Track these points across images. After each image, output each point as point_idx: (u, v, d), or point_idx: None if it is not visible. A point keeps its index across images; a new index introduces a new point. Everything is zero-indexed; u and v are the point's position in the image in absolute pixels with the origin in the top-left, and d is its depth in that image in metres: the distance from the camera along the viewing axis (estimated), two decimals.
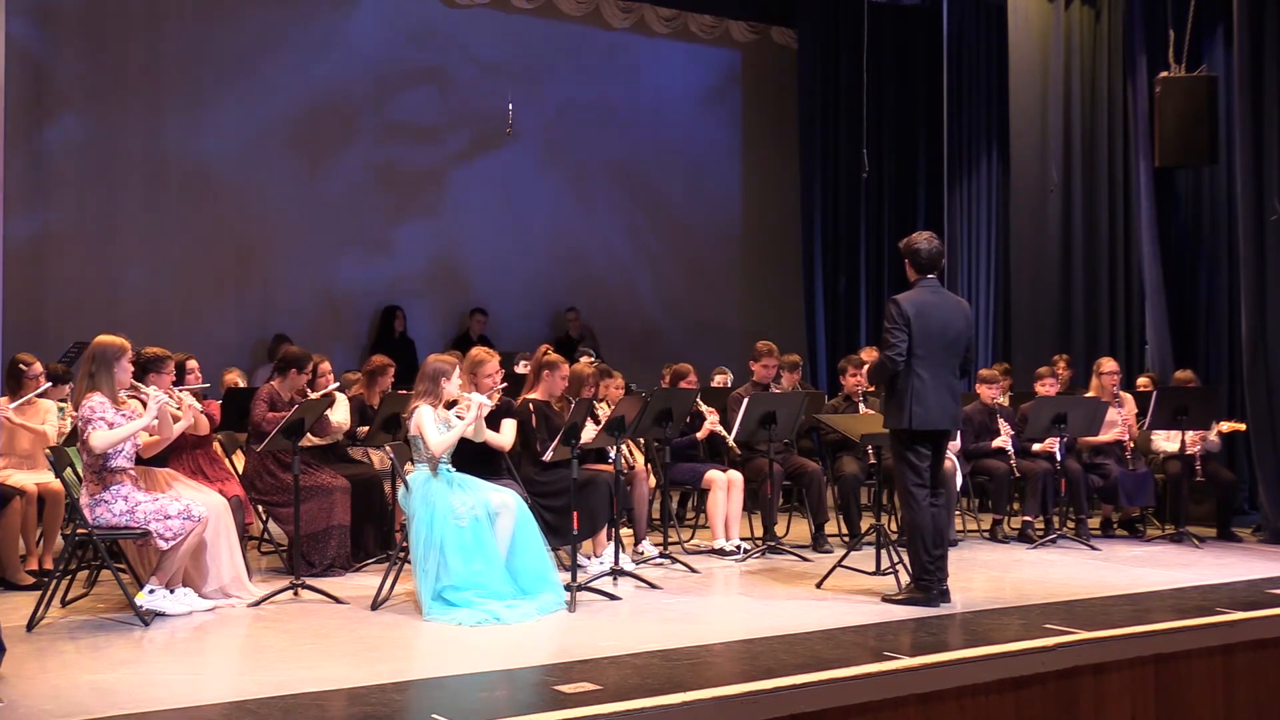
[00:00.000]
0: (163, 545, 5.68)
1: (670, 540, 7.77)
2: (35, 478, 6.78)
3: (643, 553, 7.49)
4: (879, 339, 6.49)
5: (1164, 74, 9.67)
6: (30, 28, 10.36)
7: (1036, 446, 8.64)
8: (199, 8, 11.11)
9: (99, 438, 5.64)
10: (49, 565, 6.61)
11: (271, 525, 7.52)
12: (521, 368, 9.19)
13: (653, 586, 6.61)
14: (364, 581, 6.60)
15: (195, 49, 11.08)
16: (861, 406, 8.30)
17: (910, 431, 6.13)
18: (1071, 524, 8.57)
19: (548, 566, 6.16)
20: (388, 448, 6.62)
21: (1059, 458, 8.44)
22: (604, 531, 7.10)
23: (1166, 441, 8.95)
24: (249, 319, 11.32)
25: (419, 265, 12.08)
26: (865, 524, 7.77)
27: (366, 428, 7.50)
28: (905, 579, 6.35)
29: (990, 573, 7.16)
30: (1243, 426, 8.86)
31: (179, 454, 6.61)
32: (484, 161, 12.40)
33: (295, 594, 6.20)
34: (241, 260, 11.31)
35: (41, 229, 10.46)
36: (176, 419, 6.07)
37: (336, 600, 6.13)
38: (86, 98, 10.69)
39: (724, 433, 8.07)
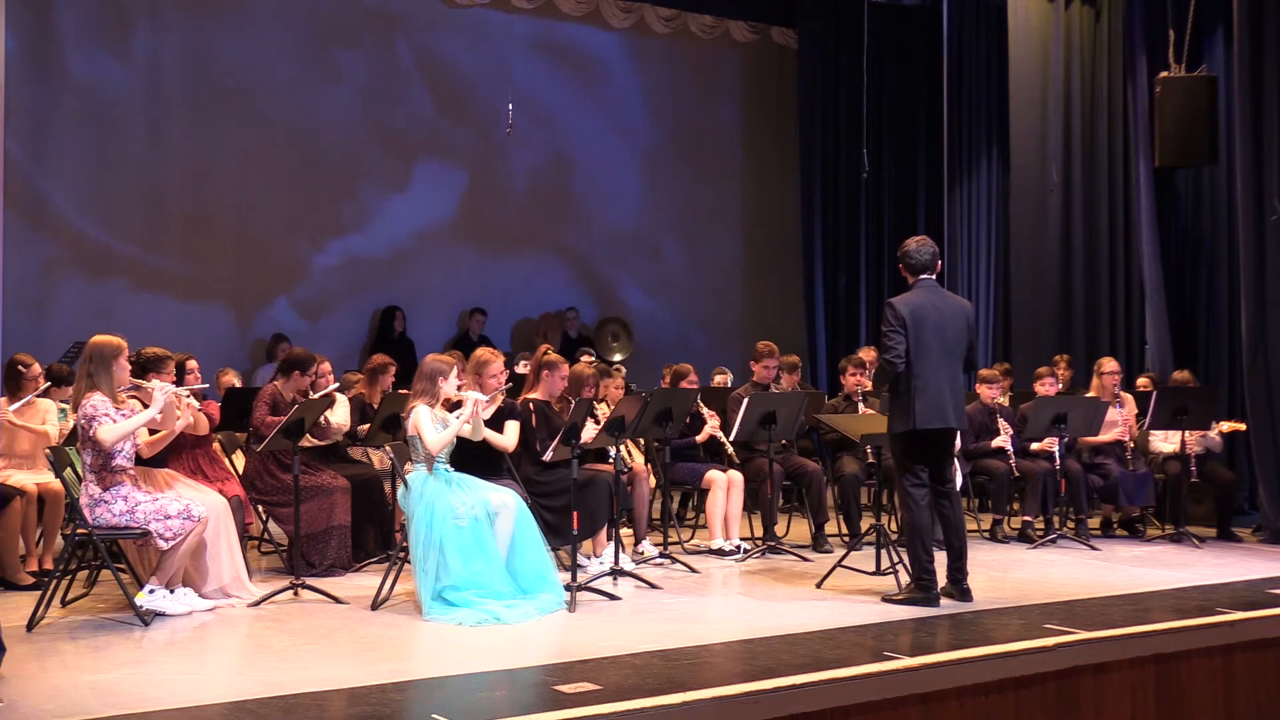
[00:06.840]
0: (163, 545, 5.69)
1: (670, 540, 7.76)
2: (35, 478, 6.78)
3: (643, 553, 7.48)
4: (878, 339, 6.47)
5: (1164, 74, 9.67)
6: (32, 24, 10.36)
7: (1036, 446, 8.64)
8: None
9: (108, 430, 5.63)
10: (49, 565, 6.62)
11: (271, 525, 7.52)
12: (521, 368, 9.18)
13: (653, 586, 6.61)
14: (364, 581, 6.60)
15: (193, 53, 11.10)
16: (861, 406, 8.29)
17: (913, 432, 6.13)
18: (1071, 524, 8.56)
19: (548, 566, 6.15)
20: (388, 448, 6.61)
21: (1059, 458, 8.44)
22: (604, 531, 7.09)
23: (1164, 443, 8.94)
24: (247, 318, 11.32)
25: (417, 264, 12.07)
26: (865, 524, 7.76)
27: (369, 424, 7.50)
28: (905, 579, 6.35)
29: (990, 573, 7.15)
30: (1243, 426, 8.85)
31: (179, 454, 6.62)
32: (483, 161, 12.40)
33: (295, 594, 6.20)
34: (241, 258, 11.31)
35: (41, 230, 10.47)
36: (177, 416, 6.08)
37: (336, 600, 6.13)
38: (86, 97, 10.71)
39: (723, 438, 8.07)
